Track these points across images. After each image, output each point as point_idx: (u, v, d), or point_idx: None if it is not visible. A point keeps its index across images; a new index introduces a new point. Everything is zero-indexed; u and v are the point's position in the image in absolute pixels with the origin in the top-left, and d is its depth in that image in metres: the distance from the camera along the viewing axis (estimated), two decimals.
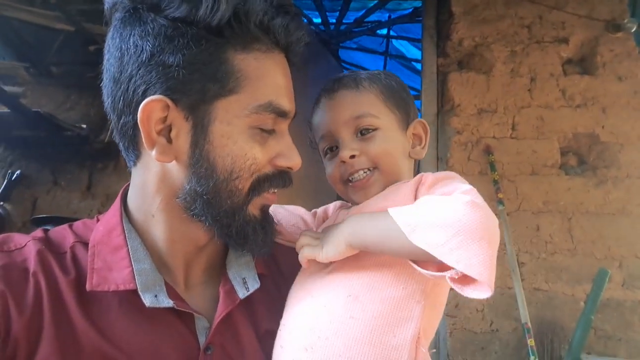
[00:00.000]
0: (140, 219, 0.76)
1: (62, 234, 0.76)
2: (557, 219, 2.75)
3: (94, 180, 2.63)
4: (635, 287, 2.64)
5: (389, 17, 4.29)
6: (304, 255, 0.77)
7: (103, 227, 0.75)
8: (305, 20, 3.89)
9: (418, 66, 4.65)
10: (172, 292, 0.72)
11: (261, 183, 0.73)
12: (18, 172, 2.58)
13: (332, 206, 0.97)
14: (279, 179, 0.75)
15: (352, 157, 0.83)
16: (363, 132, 0.84)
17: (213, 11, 0.66)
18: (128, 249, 0.72)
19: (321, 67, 3.64)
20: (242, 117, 0.69)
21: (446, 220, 0.63)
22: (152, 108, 0.67)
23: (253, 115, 0.70)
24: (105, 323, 0.67)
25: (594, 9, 2.93)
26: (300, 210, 0.99)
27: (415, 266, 0.67)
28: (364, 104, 0.85)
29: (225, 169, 0.69)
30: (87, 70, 2.40)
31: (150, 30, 0.66)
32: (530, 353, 2.31)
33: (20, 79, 2.45)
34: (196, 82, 0.67)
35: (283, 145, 0.75)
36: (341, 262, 0.76)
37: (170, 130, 0.69)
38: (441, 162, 2.95)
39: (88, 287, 0.68)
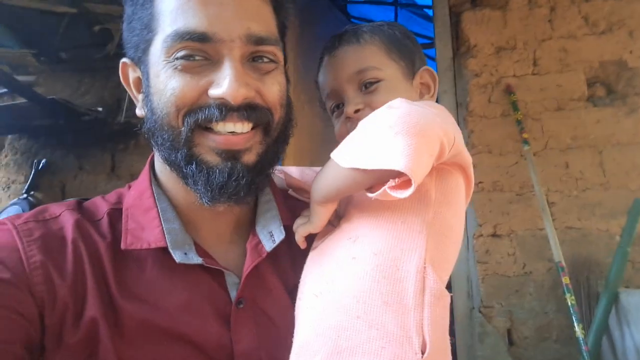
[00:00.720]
0: (164, 181, 0.78)
1: (95, 203, 0.79)
2: (587, 153, 2.63)
3: (117, 161, 2.66)
4: None
5: None
6: (299, 234, 0.77)
7: (135, 192, 0.78)
8: None
9: (430, 13, 4.43)
10: (200, 251, 0.73)
11: (193, 115, 0.67)
12: (44, 160, 2.64)
13: None
14: (213, 110, 0.67)
15: (357, 111, 0.82)
16: (367, 86, 0.83)
17: None
18: (158, 210, 0.74)
19: (330, 24, 3.52)
20: (162, 53, 0.67)
21: (366, 134, 0.65)
22: (123, 71, 0.77)
23: (169, 48, 0.67)
24: (140, 282, 0.69)
25: None
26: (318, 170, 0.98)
27: (368, 193, 0.66)
28: (365, 58, 0.84)
29: (158, 107, 0.69)
30: (96, 52, 2.39)
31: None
32: (566, 291, 2.26)
33: (31, 67, 2.47)
34: (136, 37, 0.72)
35: (218, 74, 0.67)
36: (346, 216, 0.76)
37: None
38: (461, 107, 2.83)
39: (122, 246, 0.70)
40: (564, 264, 2.32)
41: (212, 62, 0.67)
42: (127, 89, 0.78)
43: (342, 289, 0.66)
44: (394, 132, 0.60)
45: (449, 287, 2.99)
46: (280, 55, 0.74)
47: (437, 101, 2.78)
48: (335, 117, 0.88)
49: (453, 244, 0.72)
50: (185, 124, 0.68)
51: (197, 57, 0.67)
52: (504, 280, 2.58)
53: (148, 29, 0.69)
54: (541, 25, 2.72)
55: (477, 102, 2.74)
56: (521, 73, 2.72)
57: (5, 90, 2.33)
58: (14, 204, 2.55)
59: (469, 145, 2.72)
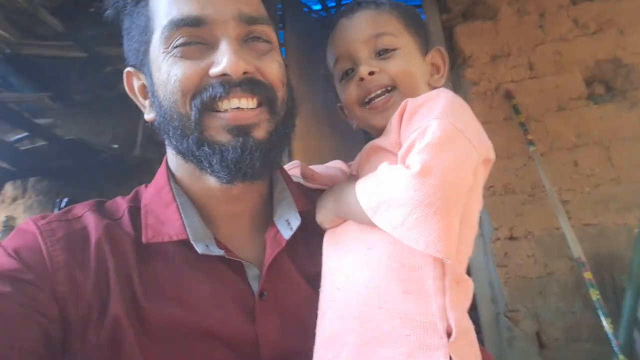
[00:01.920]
0: (181, 177, 0.78)
1: (116, 202, 0.79)
2: (595, 150, 2.60)
3: None
4: None
5: None
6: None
7: (153, 189, 0.78)
8: (306, 10, 3.85)
9: None
10: (220, 244, 0.72)
11: (198, 97, 0.68)
12: (66, 199, 2.68)
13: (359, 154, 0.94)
14: (217, 87, 0.68)
15: (371, 73, 0.79)
16: (381, 53, 0.81)
17: None
18: (177, 205, 0.73)
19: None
20: (161, 45, 0.69)
21: (401, 198, 0.60)
22: (127, 79, 0.78)
23: (166, 39, 0.68)
24: (163, 276, 0.69)
25: None
26: (338, 163, 0.98)
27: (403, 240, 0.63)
28: (384, 24, 0.82)
29: (165, 98, 0.69)
30: (108, 93, 2.48)
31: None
32: (589, 286, 2.18)
33: (49, 111, 2.56)
34: (135, 42, 0.73)
35: (216, 54, 0.68)
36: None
37: None
38: None
39: (144, 239, 0.69)
40: (583, 259, 2.25)
41: (209, 46, 0.69)
42: (133, 98, 0.79)
43: (362, 281, 0.65)
44: (431, 210, 0.57)
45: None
46: (273, 36, 0.75)
47: None
48: (344, 83, 0.85)
49: (470, 229, 0.69)
50: (193, 107, 0.68)
51: (194, 43, 0.68)
52: (527, 283, 2.51)
53: (145, 31, 0.71)
54: (532, 31, 2.76)
55: (479, 109, 2.75)
56: (518, 78, 2.74)
57: (25, 134, 2.41)
58: None
59: None
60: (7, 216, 2.78)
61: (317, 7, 3.99)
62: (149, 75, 0.72)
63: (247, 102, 0.69)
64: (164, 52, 0.68)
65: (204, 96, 0.67)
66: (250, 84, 0.69)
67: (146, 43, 0.71)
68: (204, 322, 0.66)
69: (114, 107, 2.61)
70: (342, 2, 3.92)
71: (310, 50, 3.30)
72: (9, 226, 2.70)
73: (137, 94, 0.78)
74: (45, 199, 2.72)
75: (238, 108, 0.68)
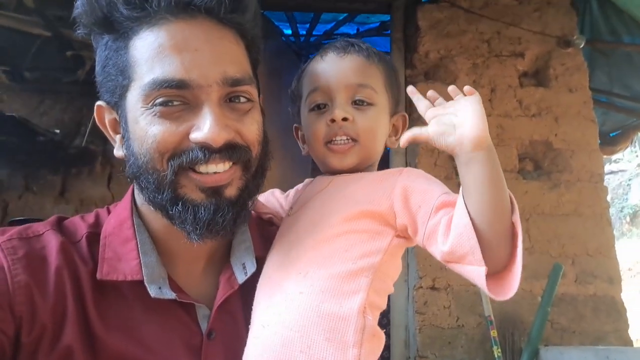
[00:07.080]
0: (145, 213, 0.82)
1: (74, 223, 0.82)
2: None
3: (68, 185, 2.68)
4: (587, 282, 2.94)
5: (357, 30, 4.47)
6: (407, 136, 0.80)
7: (114, 220, 0.81)
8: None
9: None
10: (174, 285, 0.78)
11: (177, 159, 0.72)
12: None
13: (301, 185, 1.02)
14: (197, 152, 0.71)
15: (345, 119, 0.87)
16: (358, 102, 0.89)
17: (86, 14, 0.71)
18: (137, 242, 0.77)
19: (294, 75, 3.81)
20: (139, 100, 0.71)
21: None
22: (99, 113, 0.80)
23: (146, 96, 0.70)
24: (117, 312, 0.74)
25: (547, 25, 3.27)
26: (276, 193, 1.04)
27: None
28: (370, 76, 0.90)
29: (140, 153, 0.72)
30: (63, 76, 2.47)
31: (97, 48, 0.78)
32: (493, 343, 2.55)
33: None
34: (111, 82, 0.75)
35: (198, 118, 0.71)
36: (298, 240, 0.81)
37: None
38: (409, 167, 3.16)
39: (98, 275, 0.74)
40: (492, 318, 2.62)
41: (190, 107, 0.71)
42: (103, 130, 0.81)
43: (288, 323, 0.72)
44: None
45: (387, 335, 3.18)
46: (255, 94, 0.79)
47: (388, 158, 3.15)
48: (313, 115, 0.91)
49: (389, 287, 0.82)
50: (170, 167, 0.71)
51: (175, 103, 0.70)
52: (439, 332, 2.83)
53: (124, 75, 0.72)
54: (482, 103, 3.15)
55: (424, 163, 3.09)
56: None
57: None
58: None
59: None
60: None
61: (288, 31, 4.20)
62: (124, 120, 0.75)
63: (224, 166, 0.74)
64: (142, 107, 0.71)
65: (183, 159, 0.71)
66: (229, 150, 0.73)
67: (123, 87, 0.73)
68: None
69: (64, 92, 2.60)
70: (314, 33, 4.16)
71: (275, 71, 3.48)
72: None
73: (108, 127, 0.80)
74: None
75: (215, 172, 0.74)
